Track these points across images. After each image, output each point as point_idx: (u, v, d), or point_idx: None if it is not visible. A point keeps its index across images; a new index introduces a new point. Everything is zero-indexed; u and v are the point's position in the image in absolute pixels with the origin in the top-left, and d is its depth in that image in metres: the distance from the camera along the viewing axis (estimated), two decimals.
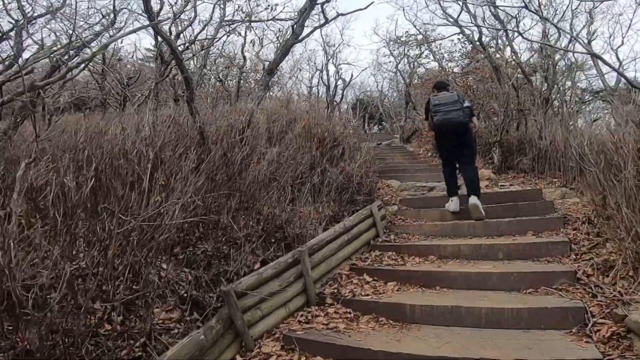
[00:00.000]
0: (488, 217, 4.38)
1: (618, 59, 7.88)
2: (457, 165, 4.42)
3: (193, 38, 6.29)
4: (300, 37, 5.35)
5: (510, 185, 5.96)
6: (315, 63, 13.37)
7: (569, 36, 7.17)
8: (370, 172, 5.29)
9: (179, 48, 5.46)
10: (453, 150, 4.27)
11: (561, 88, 7.64)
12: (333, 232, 3.84)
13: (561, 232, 3.80)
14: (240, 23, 6.60)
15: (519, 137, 6.79)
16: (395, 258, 4.00)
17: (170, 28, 6.21)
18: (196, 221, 3.07)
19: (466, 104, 4.11)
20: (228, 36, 7.74)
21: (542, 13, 6.31)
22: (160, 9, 5.57)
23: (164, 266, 2.89)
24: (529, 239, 3.78)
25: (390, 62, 13.60)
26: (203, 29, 6.45)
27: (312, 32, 5.77)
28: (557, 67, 7.34)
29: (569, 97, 7.79)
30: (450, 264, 3.69)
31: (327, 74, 12.24)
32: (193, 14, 5.98)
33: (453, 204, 4.42)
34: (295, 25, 5.36)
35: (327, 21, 5.75)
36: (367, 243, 4.36)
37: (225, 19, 7.72)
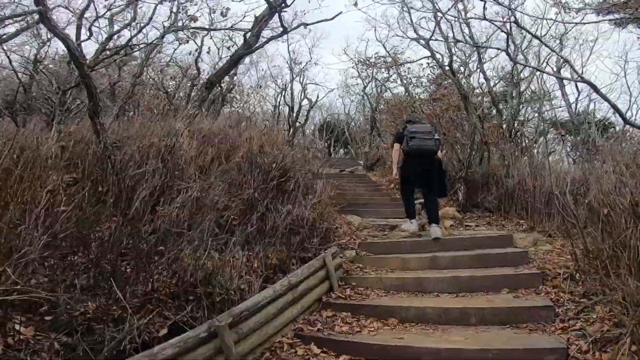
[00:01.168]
0: (456, 268, 3.87)
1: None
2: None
3: (129, 42, 5.44)
4: (253, 48, 4.69)
5: (477, 226, 5.53)
6: (282, 80, 12.84)
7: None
8: (326, 213, 4.59)
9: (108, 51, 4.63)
10: (423, 177, 4.47)
11: (527, 118, 7.57)
12: (272, 292, 3.07)
13: (541, 291, 3.28)
14: (184, 29, 5.87)
15: (484, 173, 6.47)
16: (350, 322, 3.28)
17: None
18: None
19: (436, 136, 4.44)
20: (181, 44, 6.96)
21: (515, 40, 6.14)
22: (87, 6, 4.71)
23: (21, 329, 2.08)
24: (505, 300, 3.21)
25: (357, 84, 13.35)
26: (139, 32, 5.64)
27: (266, 42, 5.14)
28: (522, 97, 7.26)
29: (534, 129, 7.74)
30: (414, 332, 3.03)
31: (292, 94, 11.71)
32: (131, 15, 5.17)
33: (413, 226, 4.65)
34: (248, 35, 4.70)
35: (285, 31, 5.16)
36: (318, 299, 3.62)
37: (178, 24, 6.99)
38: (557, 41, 7.10)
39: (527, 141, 8.91)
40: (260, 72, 13.80)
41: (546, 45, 5.97)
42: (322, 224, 4.57)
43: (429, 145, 4.30)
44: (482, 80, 9.22)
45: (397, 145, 4.56)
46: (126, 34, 6.57)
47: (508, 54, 4.46)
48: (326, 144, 21.61)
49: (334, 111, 22.94)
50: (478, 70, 7.54)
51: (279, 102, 12.70)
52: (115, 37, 6.01)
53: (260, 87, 12.49)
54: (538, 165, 5.54)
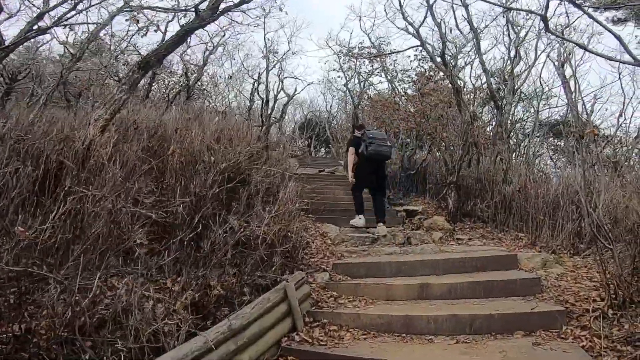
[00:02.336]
0: (453, 298, 3.10)
1: None
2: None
3: (60, 20, 4.39)
4: (204, 22, 3.76)
5: (469, 239, 4.78)
6: (259, 73, 11.80)
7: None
8: (293, 225, 3.73)
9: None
10: (373, 178, 4.81)
11: (522, 118, 6.94)
12: (203, 342, 2.20)
13: (566, 334, 2.52)
14: (136, 10, 4.87)
15: (478, 177, 5.76)
16: None
17: None
18: None
19: (388, 143, 4.89)
20: (132, 25, 5.92)
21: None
22: None
23: None
24: (521, 350, 2.43)
25: (339, 76, 12.47)
26: (72, 9, 4.60)
27: (222, 13, 4.20)
28: (516, 95, 6.61)
29: (527, 129, 7.12)
30: None
31: (267, 85, 10.70)
32: None
33: (361, 221, 4.85)
34: (201, 7, 3.78)
35: (242, 1, 4.24)
36: (276, 343, 2.77)
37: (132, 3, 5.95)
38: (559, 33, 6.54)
39: (514, 142, 8.39)
40: (236, 64, 12.76)
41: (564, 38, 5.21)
42: (287, 240, 3.70)
43: (385, 150, 4.72)
44: (476, 72, 8.64)
45: (352, 150, 4.93)
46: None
47: (544, 19, 3.70)
48: (307, 142, 20.73)
49: (315, 108, 22.10)
50: (472, 63, 6.86)
51: (252, 94, 11.68)
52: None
53: (231, 77, 11.44)
54: (542, 169, 4.84)
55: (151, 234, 3.12)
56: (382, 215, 4.73)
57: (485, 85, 6.72)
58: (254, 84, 11.77)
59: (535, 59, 6.76)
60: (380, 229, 4.60)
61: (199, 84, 12.24)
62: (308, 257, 3.98)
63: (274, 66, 12.27)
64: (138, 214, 2.46)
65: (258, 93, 10.79)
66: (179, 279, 2.89)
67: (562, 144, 10.75)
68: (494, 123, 9.03)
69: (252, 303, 2.76)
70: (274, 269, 3.26)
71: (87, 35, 5.51)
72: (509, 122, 6.84)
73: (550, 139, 10.26)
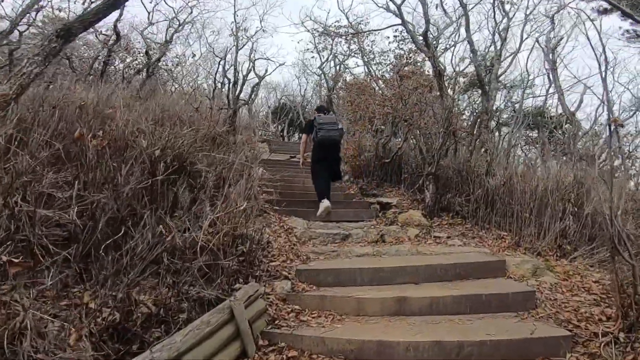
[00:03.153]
0: (435, 314, 2.62)
1: None
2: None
3: None
4: None
5: (448, 238, 4.35)
6: (225, 52, 10.73)
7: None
8: (246, 229, 3.10)
9: None
10: (327, 162, 4.86)
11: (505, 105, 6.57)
12: None
13: None
14: None
15: (458, 169, 5.33)
16: None
17: None
18: None
19: (340, 126, 4.87)
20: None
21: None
22: None
23: None
24: None
25: (313, 57, 11.68)
26: None
27: None
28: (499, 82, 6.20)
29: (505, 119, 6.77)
30: None
31: (235, 65, 9.73)
32: None
33: (325, 203, 4.71)
34: None
35: None
36: None
37: None
38: (548, 20, 6.19)
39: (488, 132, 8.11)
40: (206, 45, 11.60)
41: None
42: (243, 240, 3.08)
43: (334, 135, 4.75)
44: (457, 59, 8.19)
45: (304, 136, 5.09)
46: None
47: None
48: (280, 127, 19.88)
49: (290, 92, 21.18)
50: (454, 48, 6.35)
51: (217, 74, 10.69)
52: None
53: (194, 56, 10.36)
54: (528, 162, 4.45)
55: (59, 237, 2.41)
56: (329, 194, 4.83)
57: (467, 70, 6.26)
58: (219, 63, 10.76)
59: (521, 43, 6.38)
60: (324, 203, 4.70)
61: (164, 64, 11.09)
62: (267, 261, 3.37)
63: (244, 46, 11.30)
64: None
65: (225, 73, 9.82)
66: (99, 292, 2.23)
67: (536, 134, 10.70)
68: (469, 111, 8.70)
69: (184, 329, 2.15)
70: (219, 280, 2.62)
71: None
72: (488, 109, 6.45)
73: (522, 130, 10.14)
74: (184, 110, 4.91)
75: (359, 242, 4.30)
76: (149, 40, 10.31)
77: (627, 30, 7.15)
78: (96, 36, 9.17)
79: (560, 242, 3.93)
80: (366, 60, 9.27)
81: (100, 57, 8.88)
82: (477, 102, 9.10)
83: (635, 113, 7.68)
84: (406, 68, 6.61)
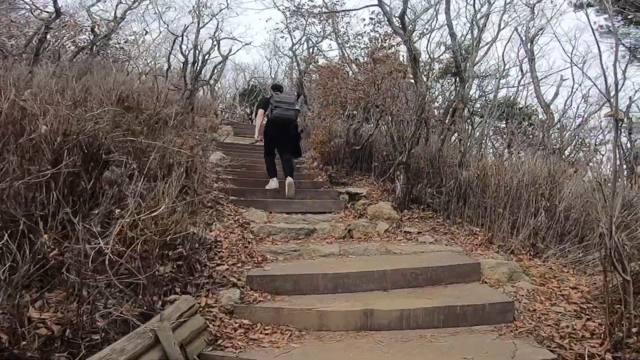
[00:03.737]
0: (405, 328, 2.29)
1: None
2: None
3: None
4: None
5: (419, 233, 4.06)
6: (183, 30, 9.69)
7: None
8: (180, 227, 2.58)
9: None
10: (281, 141, 4.80)
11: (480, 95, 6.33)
12: None
13: None
14: None
15: (429, 158, 5.03)
16: None
17: None
18: None
19: (297, 106, 4.80)
20: None
21: None
22: None
23: None
24: None
25: (283, 37, 10.94)
26: None
27: None
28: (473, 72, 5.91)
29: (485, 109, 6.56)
30: None
31: (196, 44, 8.75)
32: None
33: (274, 183, 4.80)
34: None
35: None
36: None
37: None
38: (528, 9, 5.96)
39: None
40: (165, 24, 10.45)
41: None
42: (179, 241, 2.58)
43: (290, 115, 4.68)
44: (432, 47, 7.86)
45: (261, 112, 4.96)
46: None
47: None
48: (248, 110, 18.97)
49: (260, 75, 20.19)
50: (430, 34, 5.98)
51: (171, 53, 9.70)
52: None
53: (147, 32, 9.31)
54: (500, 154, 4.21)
55: None
56: (290, 173, 4.77)
57: (444, 57, 5.92)
58: (174, 41, 9.78)
59: (498, 32, 6.13)
60: (288, 182, 4.68)
61: (117, 43, 9.96)
62: (213, 265, 2.89)
63: (206, 24, 10.33)
64: None
65: (182, 52, 8.89)
66: None
67: (504, 125, 10.74)
68: (441, 99, 8.47)
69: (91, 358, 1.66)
70: (139, 295, 2.12)
71: None
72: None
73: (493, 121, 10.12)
74: (126, 89, 4.21)
75: (325, 238, 3.91)
76: (96, 17, 9.18)
77: (601, 26, 7.15)
78: (31, 12, 8.00)
79: (533, 240, 3.74)
80: (340, 42, 8.74)
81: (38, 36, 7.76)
82: (450, 90, 8.90)
83: (601, 108, 7.76)
84: (380, 53, 6.20)
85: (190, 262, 2.71)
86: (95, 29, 8.86)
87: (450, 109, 6.64)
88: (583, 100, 7.17)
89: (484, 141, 5.61)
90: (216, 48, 11.68)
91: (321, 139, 6.38)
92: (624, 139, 8.11)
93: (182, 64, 10.64)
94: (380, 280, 2.73)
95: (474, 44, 5.67)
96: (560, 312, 2.43)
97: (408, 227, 4.21)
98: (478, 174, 4.05)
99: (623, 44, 6.53)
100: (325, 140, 6.38)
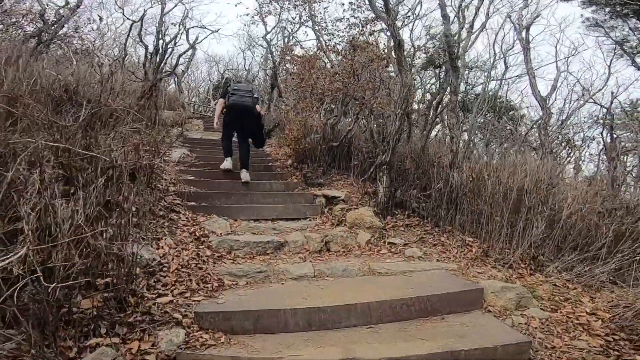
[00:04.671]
0: None
1: None
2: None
3: None
4: None
5: (405, 245, 3.57)
6: (142, 15, 8.71)
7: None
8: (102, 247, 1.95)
9: None
10: (238, 128, 4.97)
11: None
12: None
13: None
14: None
15: (414, 157, 4.55)
16: None
17: None
18: None
19: (255, 95, 4.98)
20: None
21: None
22: None
23: None
24: None
25: (254, 23, 10.15)
26: None
27: None
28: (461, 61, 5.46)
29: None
30: None
31: (159, 33, 7.80)
32: None
33: (228, 163, 4.93)
34: None
35: None
36: None
37: None
38: None
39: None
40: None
41: None
42: (112, 265, 1.95)
43: (245, 102, 4.82)
44: (414, 36, 7.37)
45: (220, 100, 5.09)
46: None
47: None
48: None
49: (234, 67, 19.27)
50: (413, 24, 5.44)
51: (127, 41, 8.71)
52: None
53: (101, 20, 8.33)
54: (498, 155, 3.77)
55: None
56: (245, 164, 4.93)
57: (428, 45, 5.41)
58: (131, 28, 8.85)
59: (487, 19, 5.69)
60: (242, 176, 4.82)
61: (69, 30, 8.87)
62: (154, 295, 2.27)
63: (171, 10, 9.43)
64: None
65: (141, 39, 7.97)
66: None
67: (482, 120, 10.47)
68: (421, 91, 8.01)
69: None
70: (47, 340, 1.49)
71: None
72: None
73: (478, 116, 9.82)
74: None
75: (297, 252, 3.34)
76: (45, 4, 8.12)
77: (588, 18, 6.90)
78: None
79: (534, 252, 3.32)
80: (317, 29, 8.12)
81: None
82: (431, 83, 8.48)
83: (585, 104, 7.57)
84: (361, 38, 5.66)
85: (121, 293, 2.08)
86: (45, 16, 7.82)
87: (435, 102, 6.22)
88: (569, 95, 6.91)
89: (472, 138, 5.20)
90: (185, 37, 10.83)
91: (295, 135, 5.78)
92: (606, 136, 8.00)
93: (149, 54, 9.72)
94: (364, 315, 2.20)
95: (468, 28, 5.17)
96: (584, 349, 1.98)
97: (393, 238, 3.71)
98: (473, 177, 3.58)
99: (611, 38, 6.32)
100: (300, 136, 5.79)
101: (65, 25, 8.42)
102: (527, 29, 5.28)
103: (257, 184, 5.01)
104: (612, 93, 7.92)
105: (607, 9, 6.27)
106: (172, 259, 2.77)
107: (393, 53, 4.56)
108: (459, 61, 4.48)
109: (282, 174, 5.68)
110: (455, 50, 4.69)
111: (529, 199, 3.23)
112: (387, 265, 3.00)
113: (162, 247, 2.91)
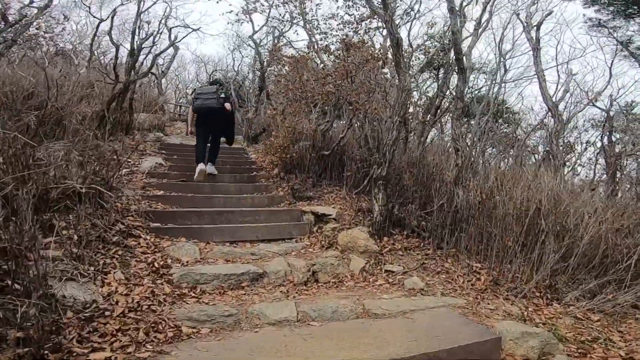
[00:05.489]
0: None
1: None
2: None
3: None
4: None
5: (405, 273, 3.08)
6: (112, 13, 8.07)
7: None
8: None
9: None
10: (207, 129, 5.08)
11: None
12: None
13: None
14: None
15: (415, 169, 4.07)
16: None
17: None
18: None
19: (222, 95, 5.07)
20: None
21: None
22: None
23: None
24: None
25: (238, 20, 9.60)
26: None
27: None
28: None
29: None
30: None
31: (134, 32, 7.08)
32: None
33: (201, 166, 4.82)
34: None
35: None
36: None
37: None
38: None
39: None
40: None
41: None
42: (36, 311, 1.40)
43: (209, 104, 4.94)
44: (412, 37, 6.92)
45: (190, 108, 5.33)
46: None
47: None
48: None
49: (222, 68, 18.69)
50: (411, 23, 4.96)
51: (94, 38, 8.10)
52: None
53: (67, 19, 7.72)
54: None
55: None
56: (212, 160, 5.17)
57: (425, 45, 4.95)
58: (98, 26, 8.24)
59: (491, 16, 5.26)
60: (209, 169, 4.99)
61: (38, 30, 8.25)
62: (86, 351, 1.73)
63: (148, 8, 8.84)
64: None
65: (111, 39, 7.34)
66: None
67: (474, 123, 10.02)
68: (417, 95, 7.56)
69: None
70: None
71: None
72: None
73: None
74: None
75: (279, 284, 2.82)
76: (5, 3, 7.46)
77: (590, 18, 6.56)
78: None
79: (552, 281, 2.86)
80: (308, 28, 7.63)
81: None
82: (427, 85, 8.04)
83: (585, 108, 7.22)
84: (355, 38, 5.19)
85: (40, 349, 1.54)
86: (6, 15, 7.17)
87: (433, 107, 5.76)
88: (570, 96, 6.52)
89: (481, 147, 4.72)
90: (167, 37, 10.24)
91: (282, 143, 5.26)
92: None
93: (90, 50, 9.07)
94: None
95: (462, 28, 4.70)
96: None
97: (390, 264, 3.22)
98: (482, 197, 3.10)
99: (615, 38, 5.97)
100: (287, 144, 5.27)
101: (34, 25, 7.78)
102: (538, 27, 4.87)
103: (238, 199, 4.48)
104: (610, 96, 7.60)
105: (611, 9, 5.95)
106: (119, 300, 2.23)
107: (389, 53, 4.09)
108: (466, 62, 4.02)
109: (266, 186, 5.16)
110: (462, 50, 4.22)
111: (547, 222, 2.76)
112: (384, 304, 2.50)
113: (109, 284, 2.37)
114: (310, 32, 7.75)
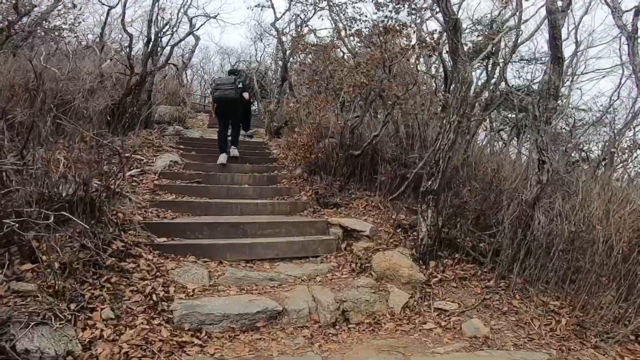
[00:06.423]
0: None
1: None
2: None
3: None
4: None
5: (462, 313, 2.45)
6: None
7: None
8: None
9: None
10: (227, 117, 5.35)
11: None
12: None
13: None
14: None
15: (464, 174, 3.37)
16: None
17: None
18: None
19: (240, 85, 5.28)
20: None
21: None
22: None
23: None
24: None
25: (261, 7, 8.97)
26: None
27: None
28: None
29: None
30: None
31: (151, 21, 6.58)
32: None
33: (222, 158, 5.12)
34: None
35: None
36: None
37: None
38: None
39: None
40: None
41: None
42: None
43: (227, 94, 5.21)
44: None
45: (212, 98, 5.58)
46: None
47: None
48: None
49: (245, 59, 18.25)
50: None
51: (105, 26, 7.68)
52: None
53: (76, 6, 7.33)
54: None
55: None
56: (234, 142, 5.46)
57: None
58: (108, 14, 7.80)
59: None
60: (232, 152, 5.31)
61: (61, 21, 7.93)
62: None
63: None
64: None
65: (124, 27, 6.88)
66: None
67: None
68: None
69: None
70: None
71: None
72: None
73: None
74: None
75: (300, 326, 2.26)
76: None
77: None
78: None
79: None
80: (335, 12, 6.94)
81: None
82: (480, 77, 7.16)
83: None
84: (391, 21, 4.48)
85: None
86: (18, 6, 6.86)
87: (477, 101, 4.99)
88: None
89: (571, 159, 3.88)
90: (188, 27, 9.78)
91: (306, 141, 4.66)
92: None
93: (100, 37, 8.65)
94: None
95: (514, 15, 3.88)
96: None
97: (441, 300, 2.59)
98: (576, 227, 2.38)
99: None
100: (311, 144, 4.66)
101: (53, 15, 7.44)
102: (637, 12, 3.93)
103: (256, 205, 3.93)
104: None
105: None
106: (102, 351, 1.74)
107: (441, 39, 3.38)
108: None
109: (288, 189, 4.59)
110: (517, 40, 3.45)
111: None
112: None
113: (93, 326, 1.89)
114: (337, 17, 7.05)
